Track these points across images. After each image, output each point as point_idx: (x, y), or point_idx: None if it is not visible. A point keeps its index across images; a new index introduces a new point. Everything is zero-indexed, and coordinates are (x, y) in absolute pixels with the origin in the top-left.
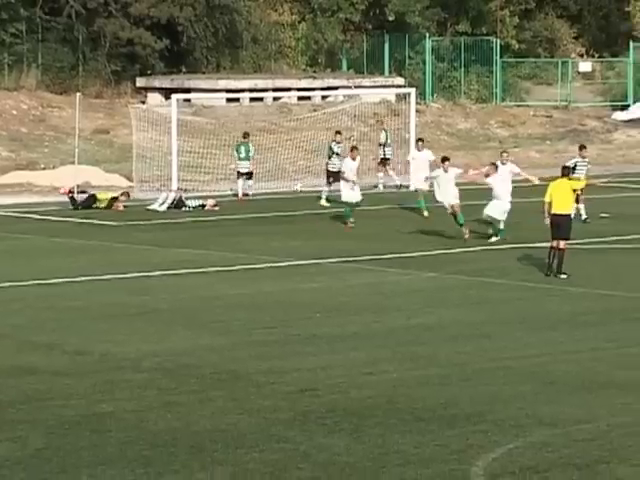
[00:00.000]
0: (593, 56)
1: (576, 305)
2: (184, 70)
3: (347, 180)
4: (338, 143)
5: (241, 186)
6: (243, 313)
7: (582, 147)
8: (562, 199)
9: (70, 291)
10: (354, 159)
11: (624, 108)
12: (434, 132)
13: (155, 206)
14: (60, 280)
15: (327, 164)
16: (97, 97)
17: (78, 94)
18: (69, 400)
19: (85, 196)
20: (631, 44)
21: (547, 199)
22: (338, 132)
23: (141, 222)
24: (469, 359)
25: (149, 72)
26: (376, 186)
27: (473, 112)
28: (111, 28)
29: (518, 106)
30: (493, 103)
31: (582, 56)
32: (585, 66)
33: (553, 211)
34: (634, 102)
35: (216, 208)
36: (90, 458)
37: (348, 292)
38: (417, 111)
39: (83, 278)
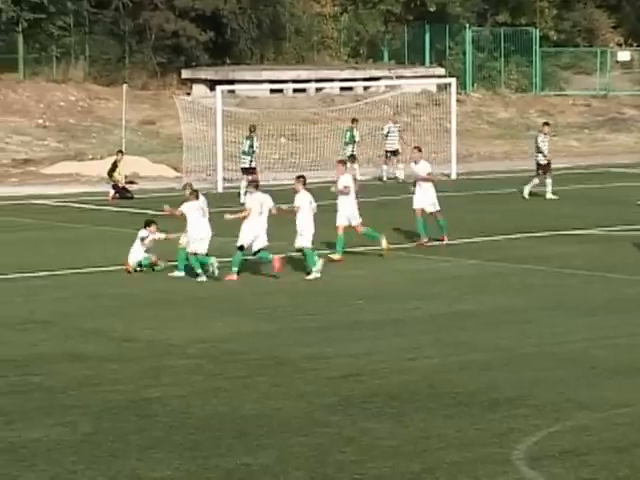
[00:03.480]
0: (631, 45)
1: (614, 291)
2: (228, 62)
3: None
4: None
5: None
6: (287, 300)
7: None
8: None
9: (116, 279)
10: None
11: None
12: (474, 121)
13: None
14: (107, 268)
15: None
16: (143, 89)
17: (125, 86)
18: (117, 386)
19: None
20: None
21: None
22: None
23: None
24: (510, 344)
25: (194, 64)
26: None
27: (513, 101)
28: (157, 20)
29: (557, 95)
30: (532, 92)
31: (621, 45)
32: (624, 55)
33: None
34: None
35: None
36: (138, 442)
37: (390, 279)
38: (458, 101)
39: None
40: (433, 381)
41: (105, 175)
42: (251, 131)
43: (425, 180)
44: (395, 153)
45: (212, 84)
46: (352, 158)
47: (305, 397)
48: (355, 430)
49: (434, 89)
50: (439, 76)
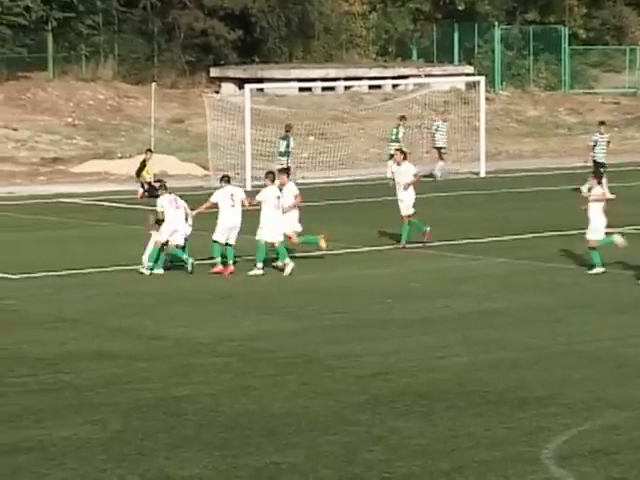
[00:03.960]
0: None
1: None
2: (257, 60)
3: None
4: None
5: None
6: (315, 298)
7: None
8: None
9: (145, 277)
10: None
11: None
12: (503, 120)
13: None
14: (135, 266)
15: None
16: (172, 87)
17: (153, 84)
18: (146, 384)
19: None
20: None
21: None
22: None
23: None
24: (539, 343)
25: (223, 62)
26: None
27: (542, 100)
28: (185, 19)
29: (586, 93)
30: (562, 91)
31: None
32: None
33: None
34: None
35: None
36: (167, 440)
37: (418, 277)
38: (486, 99)
39: None
40: (462, 380)
41: (132, 173)
42: (287, 131)
43: (413, 183)
44: (440, 150)
45: (241, 82)
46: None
47: (334, 395)
48: (384, 429)
49: (463, 87)
50: (468, 74)
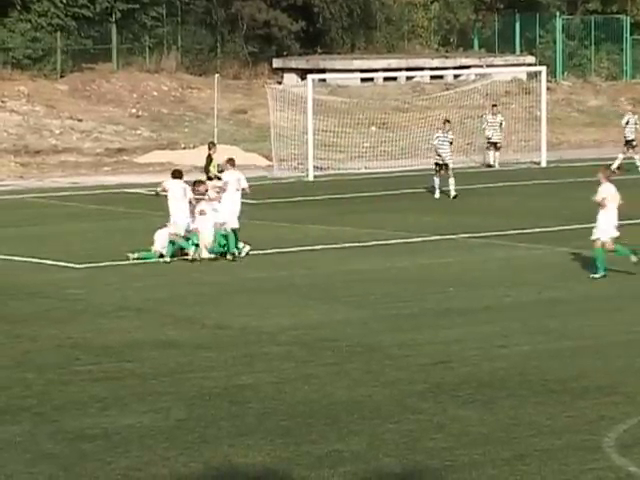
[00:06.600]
0: None
1: None
2: (319, 51)
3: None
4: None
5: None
6: (377, 287)
7: None
8: None
9: (209, 266)
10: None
11: None
12: (565, 109)
13: None
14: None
15: None
16: (235, 78)
17: (217, 75)
18: (210, 372)
19: None
20: None
21: None
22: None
23: (277, 200)
24: (600, 332)
25: (285, 53)
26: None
27: (603, 89)
28: (248, 10)
29: None
30: (623, 80)
31: None
32: None
33: None
34: None
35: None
36: (230, 428)
37: (480, 267)
38: (548, 89)
39: None
40: (523, 369)
41: (196, 164)
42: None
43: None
44: (630, 142)
45: (303, 73)
46: (494, 145)
47: (396, 384)
48: (446, 417)
49: (524, 77)
50: (529, 64)
